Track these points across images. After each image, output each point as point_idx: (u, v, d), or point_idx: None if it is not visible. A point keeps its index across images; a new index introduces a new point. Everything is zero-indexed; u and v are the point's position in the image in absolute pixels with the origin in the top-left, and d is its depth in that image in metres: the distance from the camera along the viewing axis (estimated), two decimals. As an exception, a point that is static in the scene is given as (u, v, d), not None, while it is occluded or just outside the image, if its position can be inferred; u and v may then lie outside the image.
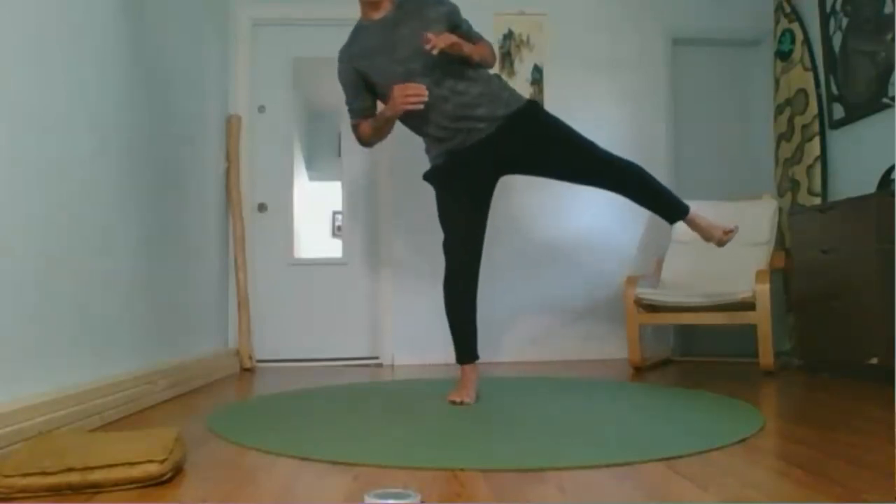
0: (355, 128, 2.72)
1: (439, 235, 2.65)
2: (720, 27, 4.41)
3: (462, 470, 1.54)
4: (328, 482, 1.47)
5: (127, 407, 2.38)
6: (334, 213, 4.63)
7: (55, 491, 1.37)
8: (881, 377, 2.85)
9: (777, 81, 4.14)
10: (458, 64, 2.51)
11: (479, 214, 2.65)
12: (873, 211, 2.92)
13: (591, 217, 4.23)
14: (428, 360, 4.06)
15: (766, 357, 3.27)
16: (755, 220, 3.80)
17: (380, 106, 2.69)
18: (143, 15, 2.77)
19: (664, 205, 2.68)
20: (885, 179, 3.20)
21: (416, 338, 4.10)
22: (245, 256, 4.02)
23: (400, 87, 2.43)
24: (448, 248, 2.62)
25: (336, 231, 4.62)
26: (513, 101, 2.59)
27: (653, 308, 3.67)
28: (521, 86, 4.22)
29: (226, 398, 2.81)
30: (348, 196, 4.33)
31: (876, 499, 1.26)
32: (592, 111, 4.25)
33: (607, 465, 1.56)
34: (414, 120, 2.58)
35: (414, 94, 2.40)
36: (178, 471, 1.53)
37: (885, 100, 3.34)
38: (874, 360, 2.88)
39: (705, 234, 2.68)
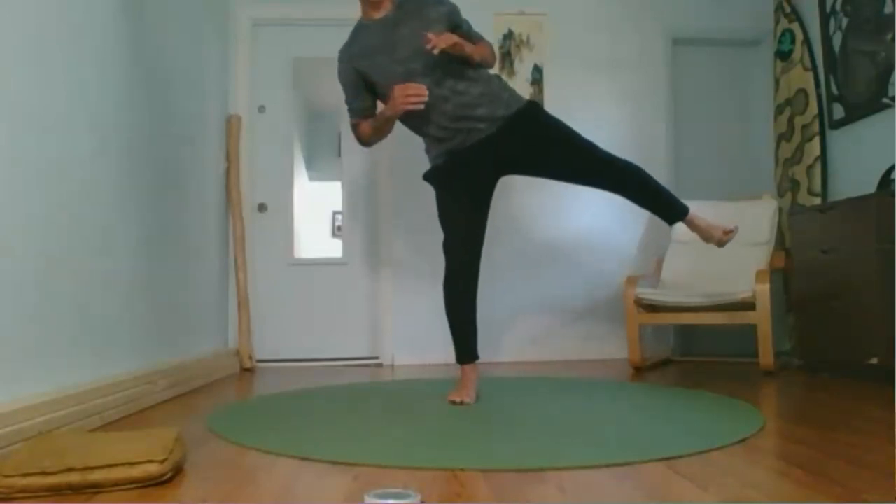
0: (355, 127, 2.72)
1: (439, 235, 2.65)
2: (720, 27, 4.41)
3: (462, 470, 1.54)
4: (328, 482, 1.47)
5: (127, 407, 2.38)
6: (334, 213, 4.63)
7: (55, 491, 1.37)
8: (881, 377, 2.85)
9: (777, 81, 4.14)
10: (459, 64, 2.51)
11: (479, 214, 2.65)
12: (873, 211, 2.92)
13: (591, 217, 4.23)
14: (428, 360, 4.06)
15: (766, 357, 3.27)
16: (755, 220, 3.80)
17: (380, 106, 2.69)
18: (143, 15, 2.77)
19: (663, 205, 2.69)
20: (885, 179, 3.20)
21: (416, 338, 4.10)
22: (245, 256, 4.02)
23: (400, 87, 2.43)
24: (448, 248, 2.62)
25: (336, 231, 4.62)
26: (513, 101, 2.59)
27: (653, 308, 3.67)
28: (521, 86, 4.22)
29: (226, 398, 2.81)
30: (348, 196, 4.33)
31: (876, 499, 1.26)
32: (592, 111, 4.25)
33: (607, 465, 1.56)
34: (414, 120, 2.58)
35: (414, 93, 2.40)
36: (178, 471, 1.53)
37: (885, 100, 3.34)
38: (874, 360, 2.88)
39: (704, 234, 2.68)
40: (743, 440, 1.79)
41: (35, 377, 1.91)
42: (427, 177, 2.71)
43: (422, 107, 2.43)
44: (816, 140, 3.79)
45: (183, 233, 3.24)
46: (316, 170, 4.62)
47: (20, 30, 1.87)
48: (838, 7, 3.67)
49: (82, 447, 1.48)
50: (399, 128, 2.74)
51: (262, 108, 4.27)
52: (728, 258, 3.50)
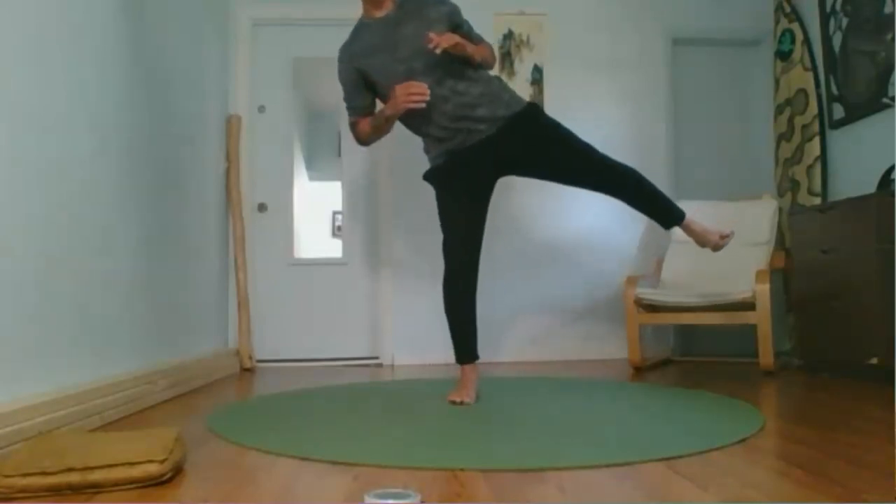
0: (353, 126, 2.72)
1: (439, 235, 2.65)
2: (720, 27, 4.41)
3: (462, 470, 1.54)
4: (328, 482, 1.47)
5: (127, 407, 2.38)
6: (334, 213, 4.63)
7: (55, 491, 1.37)
8: (881, 377, 2.85)
9: (777, 81, 4.14)
10: (460, 64, 2.51)
11: (479, 214, 2.66)
12: (873, 211, 2.92)
13: (591, 217, 4.23)
14: (428, 360, 4.06)
15: (766, 357, 3.27)
16: (755, 220, 3.80)
17: (379, 105, 2.69)
18: (143, 15, 2.77)
19: (660, 209, 2.69)
20: (885, 179, 3.20)
21: (416, 338, 4.10)
22: (245, 256, 4.02)
23: (402, 86, 2.43)
24: (448, 248, 2.62)
25: (336, 231, 4.62)
26: (513, 102, 2.59)
27: (653, 308, 3.67)
28: (521, 86, 4.22)
29: (226, 398, 2.81)
30: (348, 196, 4.33)
31: (876, 499, 1.26)
32: (592, 111, 4.25)
33: (607, 465, 1.56)
34: (414, 120, 2.58)
35: (416, 92, 2.41)
36: (178, 471, 1.53)
37: (885, 100, 3.34)
38: (874, 360, 2.88)
39: (700, 239, 2.70)
40: (743, 440, 1.79)
41: (35, 377, 1.91)
42: (427, 177, 2.71)
43: (423, 105, 2.43)
44: (816, 140, 3.79)
45: (183, 233, 3.24)
46: (316, 170, 4.62)
47: (20, 30, 1.87)
48: (838, 7, 3.67)
49: (82, 447, 1.48)
50: (399, 128, 2.74)
51: (262, 108, 4.27)
52: (728, 258, 3.50)
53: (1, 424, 1.64)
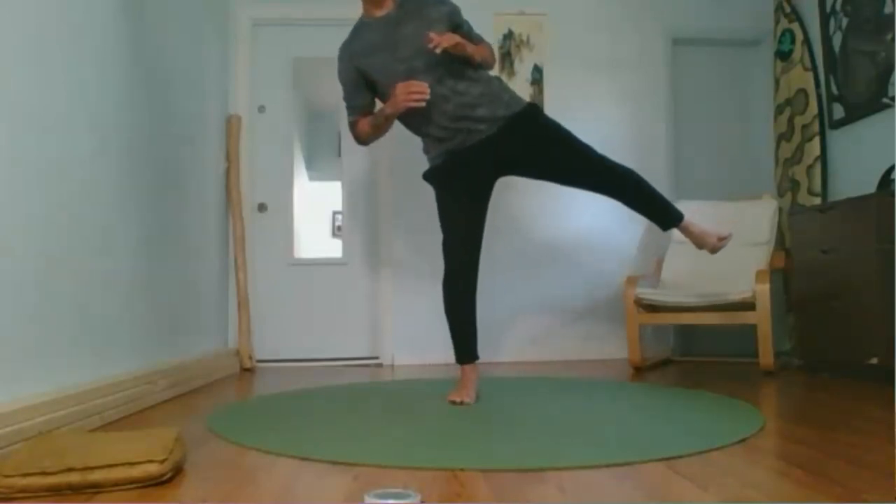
0: (353, 125, 2.72)
1: (439, 235, 2.65)
2: (720, 27, 4.41)
3: (462, 470, 1.54)
4: (328, 482, 1.47)
5: (127, 407, 2.38)
6: (334, 213, 4.63)
7: (55, 491, 1.37)
8: (881, 377, 2.85)
9: (777, 81, 4.14)
10: (460, 64, 2.51)
11: (479, 214, 2.66)
12: (873, 211, 2.92)
13: (591, 217, 4.23)
14: (428, 360, 4.06)
15: (766, 357, 3.27)
16: (755, 220, 3.80)
17: (379, 104, 2.69)
18: (143, 15, 2.77)
19: (658, 210, 2.70)
20: (885, 179, 3.20)
21: (416, 338, 4.10)
22: (245, 256, 4.02)
23: (402, 85, 2.43)
24: (448, 248, 2.62)
25: (336, 231, 4.62)
26: (513, 102, 2.60)
27: (653, 308, 3.67)
28: (521, 86, 4.22)
29: (226, 398, 2.81)
30: (348, 196, 4.33)
31: (876, 499, 1.26)
32: (592, 111, 4.25)
33: (607, 465, 1.56)
34: (414, 119, 2.58)
35: (417, 91, 2.41)
36: (178, 471, 1.53)
37: (885, 100, 3.34)
38: (874, 360, 2.88)
39: (698, 241, 2.70)
40: (743, 440, 1.79)
41: (35, 377, 1.91)
42: (426, 177, 2.72)
43: (423, 104, 2.43)
44: (816, 140, 3.79)
45: (183, 233, 3.24)
46: (316, 170, 4.62)
47: (20, 30, 1.87)
48: (838, 7, 3.67)
49: (82, 447, 1.48)
50: (399, 128, 2.74)
51: (262, 108, 4.27)
52: (728, 258, 3.50)
53: (1, 424, 1.64)
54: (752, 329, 3.37)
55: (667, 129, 4.35)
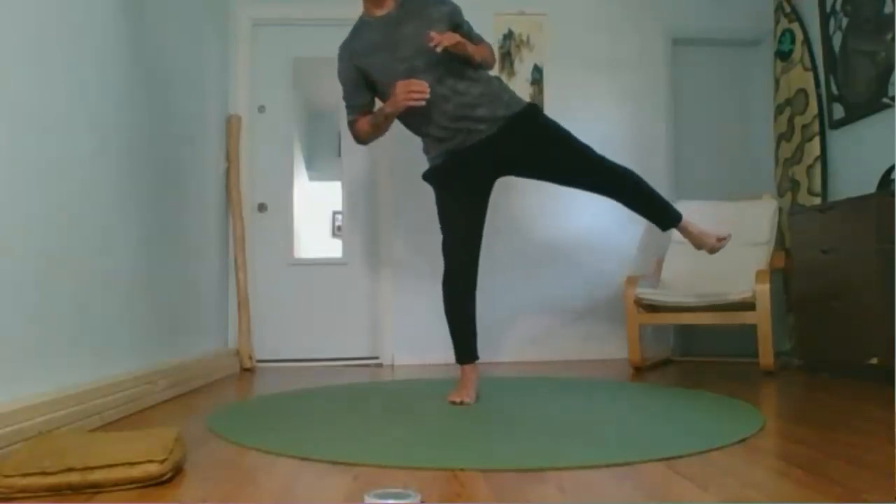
0: (352, 124, 2.72)
1: (439, 235, 2.65)
2: (720, 27, 4.41)
3: (462, 470, 1.54)
4: (328, 482, 1.47)
5: (127, 407, 2.38)
6: (334, 213, 4.63)
7: (55, 491, 1.37)
8: (881, 377, 2.85)
9: (777, 81, 4.14)
10: (460, 64, 2.51)
11: (479, 214, 2.66)
12: (873, 211, 2.92)
13: (591, 217, 4.23)
14: (428, 360, 4.06)
15: (766, 357, 3.27)
16: (755, 220, 3.80)
17: (378, 103, 2.69)
18: (143, 15, 2.77)
19: (657, 211, 2.70)
20: (885, 179, 3.20)
21: (416, 338, 4.10)
22: (245, 256, 4.02)
23: (402, 83, 2.43)
24: (448, 248, 2.62)
25: (336, 231, 4.62)
26: (513, 102, 2.60)
27: (653, 308, 3.67)
28: (521, 86, 4.22)
29: (226, 398, 2.81)
30: (348, 196, 4.33)
31: (876, 499, 1.26)
32: (592, 111, 4.25)
33: (607, 465, 1.56)
34: (414, 119, 2.58)
35: (417, 90, 2.40)
36: (178, 471, 1.53)
37: (885, 100, 3.34)
38: (874, 360, 2.88)
39: (697, 241, 2.71)
40: (743, 440, 1.79)
41: (35, 377, 1.91)
42: (426, 177, 2.71)
43: (423, 103, 2.43)
44: (816, 140, 3.79)
45: (183, 233, 3.24)
46: (316, 170, 4.62)
47: (20, 30, 1.87)
48: (838, 7, 3.67)
49: (82, 447, 1.48)
50: (398, 127, 2.74)
51: (262, 108, 4.27)
52: (728, 258, 3.50)
53: (1, 424, 1.64)
54: (752, 329, 3.36)
55: (667, 129, 4.35)
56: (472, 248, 2.62)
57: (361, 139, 2.73)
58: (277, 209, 4.26)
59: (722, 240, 2.68)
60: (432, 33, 2.36)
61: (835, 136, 3.76)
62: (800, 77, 3.92)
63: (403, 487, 1.36)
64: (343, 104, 2.72)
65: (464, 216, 2.61)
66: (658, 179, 3.58)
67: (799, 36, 3.93)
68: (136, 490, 1.41)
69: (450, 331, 2.65)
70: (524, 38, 4.29)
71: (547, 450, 1.73)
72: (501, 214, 4.01)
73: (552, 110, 3.67)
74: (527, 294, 4.20)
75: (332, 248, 4.49)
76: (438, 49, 2.36)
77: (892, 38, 3.28)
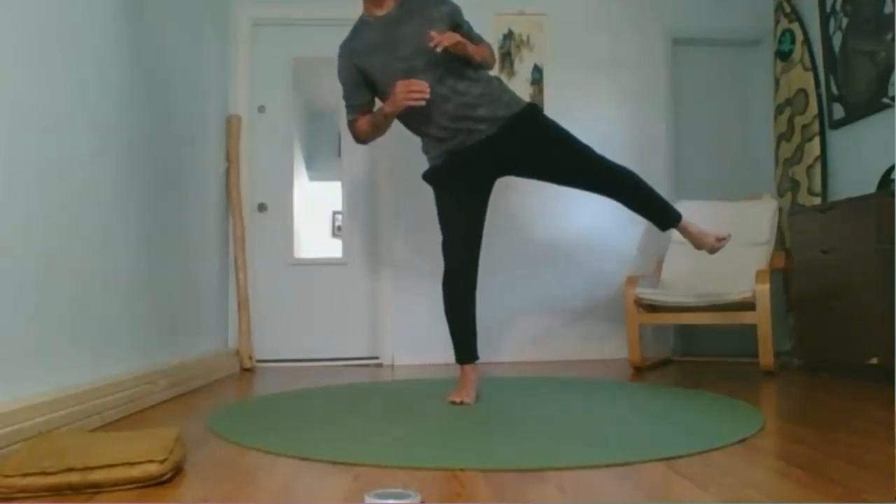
0: (352, 123, 2.71)
1: (439, 235, 2.65)
2: (720, 27, 4.41)
3: (462, 470, 1.54)
4: (328, 482, 1.47)
5: (127, 407, 2.38)
6: (334, 213, 4.63)
7: (55, 491, 1.37)
8: (881, 377, 2.85)
9: (777, 81, 4.14)
10: (460, 64, 2.51)
11: (479, 214, 2.66)
12: (873, 211, 2.92)
13: (591, 217, 4.23)
14: (428, 360, 4.06)
15: (766, 357, 3.27)
16: (755, 220, 3.80)
17: (378, 103, 2.69)
18: (143, 15, 2.77)
19: (656, 211, 2.70)
20: (885, 179, 3.20)
21: (416, 338, 4.10)
22: (245, 256, 4.02)
23: (402, 83, 2.43)
24: (447, 248, 2.62)
25: (336, 231, 4.62)
26: (513, 103, 2.60)
27: (653, 308, 3.67)
28: (521, 86, 4.22)
29: (226, 398, 2.81)
30: (348, 196, 4.33)
31: (876, 499, 1.26)
32: (592, 111, 4.25)
33: (607, 465, 1.56)
34: (414, 119, 2.58)
35: (417, 90, 2.40)
36: (178, 471, 1.53)
37: (885, 100, 3.34)
38: (874, 360, 2.88)
39: (696, 241, 2.71)
40: (743, 440, 1.79)
41: (35, 377, 1.91)
42: (426, 177, 2.71)
43: (423, 103, 2.43)
44: (816, 140, 3.79)
45: (183, 233, 3.24)
46: (316, 170, 4.62)
47: (20, 30, 1.87)
48: (838, 7, 3.67)
49: (82, 447, 1.48)
50: (399, 127, 2.74)
51: (262, 108, 4.27)
52: (728, 258, 3.50)
53: (1, 424, 1.64)
54: (752, 329, 3.36)
55: (667, 129, 4.35)
56: (471, 248, 2.62)
57: (361, 139, 2.73)
58: (277, 209, 4.26)
59: (721, 240, 2.68)
60: (432, 33, 2.36)
61: (835, 136, 3.76)
62: (800, 77, 3.92)
63: (403, 487, 1.36)
64: (343, 104, 2.72)
65: (464, 216, 2.61)
66: (658, 179, 3.58)
67: (799, 36, 3.93)
68: (136, 490, 1.41)
69: (450, 331, 2.65)
70: (524, 38, 4.29)
71: (547, 450, 1.73)
72: (501, 214, 4.01)
73: (552, 110, 3.67)
74: (527, 294, 4.20)
75: (332, 248, 4.49)
76: (438, 49, 2.36)
77: (892, 38, 3.28)
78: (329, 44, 2.96)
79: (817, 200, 3.74)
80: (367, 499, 1.20)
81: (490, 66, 2.65)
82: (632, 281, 3.66)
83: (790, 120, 4.00)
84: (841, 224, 3.14)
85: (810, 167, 3.82)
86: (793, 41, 3.99)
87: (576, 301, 4.23)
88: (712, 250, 2.70)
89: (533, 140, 2.59)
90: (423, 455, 1.68)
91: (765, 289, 3.26)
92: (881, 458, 1.58)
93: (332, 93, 2.97)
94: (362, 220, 4.30)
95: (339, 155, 4.35)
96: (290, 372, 3.79)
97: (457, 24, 2.59)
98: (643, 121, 4.34)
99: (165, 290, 2.97)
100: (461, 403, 2.47)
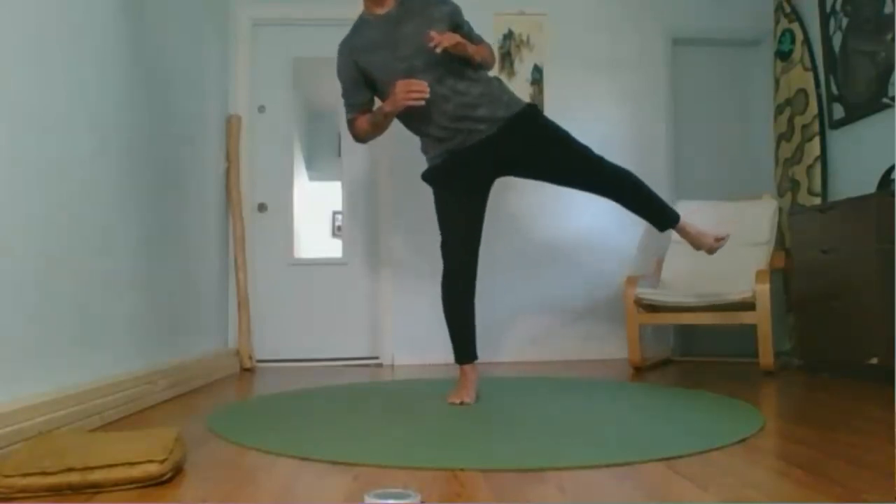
0: (351, 122, 2.71)
1: (439, 235, 2.65)
2: (720, 27, 4.41)
3: (462, 470, 1.54)
4: (328, 482, 1.47)
5: (127, 407, 2.38)
6: (334, 213, 4.63)
7: (55, 491, 1.37)
8: (881, 377, 2.85)
9: (777, 81, 4.14)
10: (460, 64, 2.52)
11: (478, 214, 2.66)
12: (873, 211, 2.92)
13: (591, 217, 4.23)
14: (428, 360, 4.06)
15: (766, 357, 3.27)
16: (755, 220, 3.80)
17: (378, 102, 2.69)
18: (143, 15, 2.77)
19: (655, 211, 2.70)
20: (885, 179, 3.20)
21: (416, 338, 4.10)
22: (245, 256, 4.02)
23: (402, 83, 2.43)
24: (447, 248, 2.62)
25: (336, 231, 4.62)
26: (513, 103, 2.60)
27: (653, 308, 3.67)
28: (521, 86, 4.22)
29: (226, 398, 2.81)
30: (348, 196, 4.33)
31: (876, 499, 1.26)
32: (592, 111, 4.25)
33: (607, 465, 1.56)
34: (414, 119, 2.58)
35: (417, 89, 2.40)
36: (178, 471, 1.53)
37: (885, 100, 3.34)
38: (874, 360, 2.88)
39: (695, 241, 2.71)
40: (743, 440, 1.79)
41: (35, 377, 1.91)
42: (425, 177, 2.71)
43: (423, 103, 2.43)
44: (816, 140, 3.79)
45: (183, 233, 3.24)
46: (316, 170, 4.63)
47: (20, 30, 1.87)
48: (838, 7, 3.67)
49: (82, 447, 1.48)
50: (398, 127, 2.74)
51: (262, 108, 4.27)
52: (728, 258, 3.50)
53: (1, 424, 1.64)
54: (752, 329, 3.36)
55: (667, 129, 4.35)
56: (471, 247, 2.62)
57: (360, 138, 2.73)
58: (277, 209, 4.26)
59: (720, 240, 2.68)
60: (432, 33, 2.36)
61: (835, 136, 3.76)
62: (800, 77, 3.92)
63: (403, 487, 1.36)
64: (343, 103, 2.72)
65: (463, 216, 2.61)
66: (658, 179, 3.58)
67: (799, 36, 3.93)
68: (136, 490, 1.41)
69: (449, 331, 2.65)
70: (524, 38, 4.29)
71: (547, 450, 1.73)
72: (501, 214, 4.01)
73: (552, 110, 3.67)
74: (527, 294, 4.20)
75: (332, 248, 4.49)
76: (438, 49, 2.36)
77: (892, 38, 3.28)
78: (329, 44, 2.96)
79: (817, 200, 3.74)
80: (367, 499, 1.20)
81: (490, 67, 2.65)
82: (632, 281, 3.66)
83: (790, 120, 4.00)
84: (841, 224, 3.14)
85: (810, 167, 3.82)
86: (793, 41, 3.99)
87: (576, 301, 4.23)
88: (711, 250, 2.71)
89: (532, 140, 2.59)
90: (423, 455, 1.68)
91: (765, 289, 3.26)
92: (881, 458, 1.58)
93: (332, 93, 2.97)
94: (362, 220, 4.30)
95: (339, 155, 4.35)
96: (290, 372, 3.79)
97: (457, 24, 2.59)
98: (643, 121, 4.34)
99: (165, 290, 2.97)
100: (461, 404, 2.47)
